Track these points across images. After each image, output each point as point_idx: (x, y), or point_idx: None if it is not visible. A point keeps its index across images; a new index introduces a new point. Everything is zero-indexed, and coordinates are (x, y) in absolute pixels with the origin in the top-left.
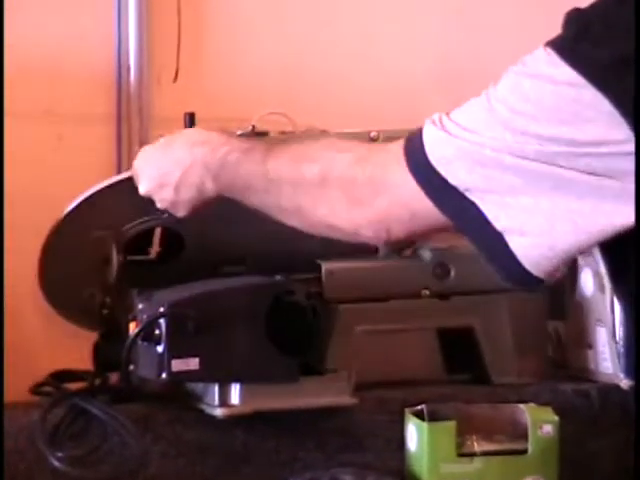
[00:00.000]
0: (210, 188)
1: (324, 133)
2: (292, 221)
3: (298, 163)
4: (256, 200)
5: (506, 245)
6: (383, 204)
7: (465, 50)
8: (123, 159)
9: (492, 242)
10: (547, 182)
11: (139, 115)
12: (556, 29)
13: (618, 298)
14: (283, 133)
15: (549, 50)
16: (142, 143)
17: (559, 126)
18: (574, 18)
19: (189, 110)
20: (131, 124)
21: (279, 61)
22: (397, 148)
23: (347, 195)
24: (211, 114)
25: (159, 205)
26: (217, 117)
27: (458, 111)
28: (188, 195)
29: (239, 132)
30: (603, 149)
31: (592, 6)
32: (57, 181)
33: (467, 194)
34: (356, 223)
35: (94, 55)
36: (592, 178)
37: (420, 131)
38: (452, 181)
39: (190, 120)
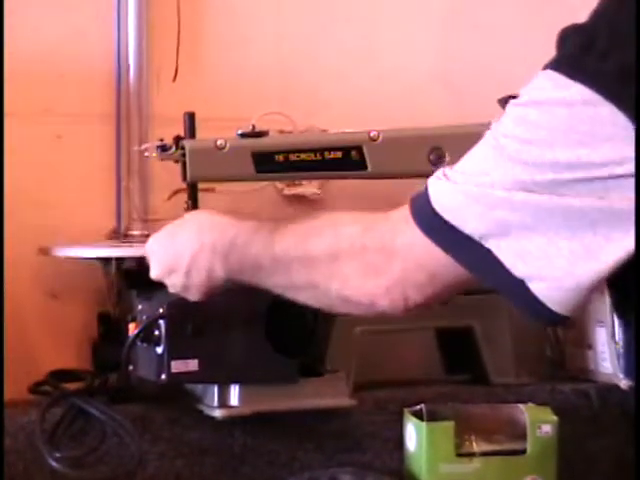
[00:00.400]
0: (220, 271)
1: (324, 133)
2: (308, 299)
3: (305, 240)
4: (268, 281)
5: (528, 290)
6: (397, 269)
7: (465, 50)
8: (122, 158)
9: (514, 288)
10: (559, 216)
11: (138, 114)
12: (555, 29)
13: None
14: (282, 132)
15: (551, 73)
16: (141, 142)
17: (577, 148)
18: (573, 34)
19: (188, 109)
20: (130, 123)
21: (279, 60)
22: (402, 211)
23: (359, 266)
24: (210, 113)
25: (171, 290)
26: (216, 116)
27: (461, 161)
28: (198, 279)
29: (239, 132)
30: (619, 170)
31: (592, 19)
32: (56, 181)
33: (482, 242)
34: (371, 294)
35: (93, 54)
36: (604, 203)
37: (425, 189)
38: (465, 230)
39: (189, 119)
